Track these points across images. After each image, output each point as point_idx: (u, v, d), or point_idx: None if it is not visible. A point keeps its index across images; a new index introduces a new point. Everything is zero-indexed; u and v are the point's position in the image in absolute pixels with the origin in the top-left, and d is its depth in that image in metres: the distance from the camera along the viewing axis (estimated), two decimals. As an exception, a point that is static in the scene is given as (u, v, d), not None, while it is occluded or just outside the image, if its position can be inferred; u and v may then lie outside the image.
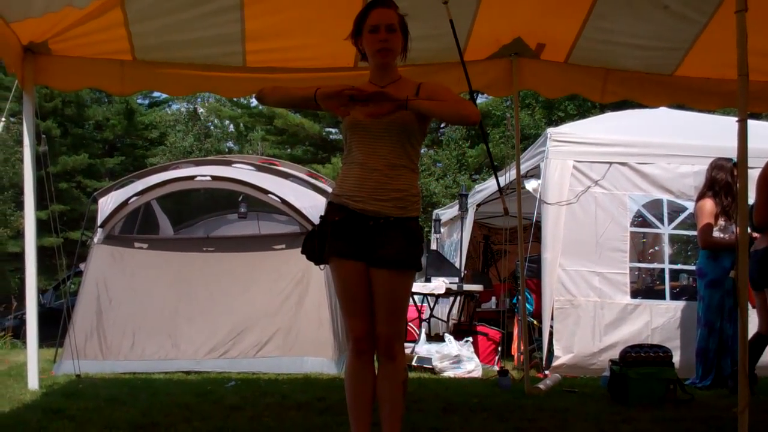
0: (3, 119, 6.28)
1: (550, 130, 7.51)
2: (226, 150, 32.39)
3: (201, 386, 6.16)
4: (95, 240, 7.83)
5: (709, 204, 6.53)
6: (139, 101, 31.73)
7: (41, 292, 10.00)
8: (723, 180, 6.52)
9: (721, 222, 6.49)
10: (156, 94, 30.00)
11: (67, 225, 25.55)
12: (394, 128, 3.25)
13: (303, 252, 3.41)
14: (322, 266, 3.45)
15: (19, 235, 25.04)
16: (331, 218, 3.29)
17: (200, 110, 33.46)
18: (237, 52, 5.74)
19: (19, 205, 25.24)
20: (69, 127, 28.69)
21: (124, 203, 7.87)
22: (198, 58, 5.84)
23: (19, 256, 25.52)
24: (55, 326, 7.96)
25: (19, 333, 14.44)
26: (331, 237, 3.27)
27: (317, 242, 3.33)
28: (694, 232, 6.81)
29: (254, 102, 29.14)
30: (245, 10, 5.32)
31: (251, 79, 5.82)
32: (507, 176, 7.88)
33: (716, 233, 6.49)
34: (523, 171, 7.15)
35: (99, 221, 7.86)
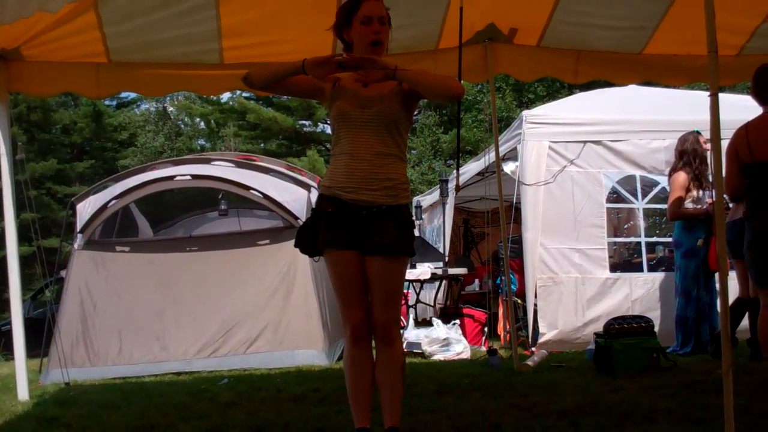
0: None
1: (525, 113, 7.61)
2: (198, 148, 32.17)
3: (194, 386, 6.18)
4: (75, 246, 7.79)
5: (681, 176, 6.74)
6: (107, 103, 31.29)
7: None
8: (690, 148, 6.77)
9: (694, 193, 6.69)
10: (124, 94, 29.73)
11: (39, 232, 25.29)
12: (382, 117, 3.31)
13: (296, 245, 3.46)
14: (316, 258, 3.50)
15: (-10, 245, 24.72)
16: (324, 209, 3.34)
17: (170, 109, 33.19)
18: (213, 50, 5.72)
19: (-10, 215, 24.94)
20: (35, 132, 28.29)
21: (103, 207, 7.83)
22: (174, 57, 5.81)
23: (-8, 267, 25.24)
24: (36, 336, 7.84)
25: (-3, 345, 14.28)
26: (324, 228, 3.31)
27: (310, 234, 3.38)
28: (667, 206, 6.98)
29: (225, 98, 28.97)
30: (220, 7, 5.31)
31: (229, 76, 5.82)
32: (485, 159, 7.97)
33: (689, 204, 6.70)
34: (500, 154, 7.23)
35: (78, 227, 7.81)
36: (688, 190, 6.71)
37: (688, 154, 6.76)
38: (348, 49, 3.45)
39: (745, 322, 6.23)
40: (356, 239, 3.29)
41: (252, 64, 5.79)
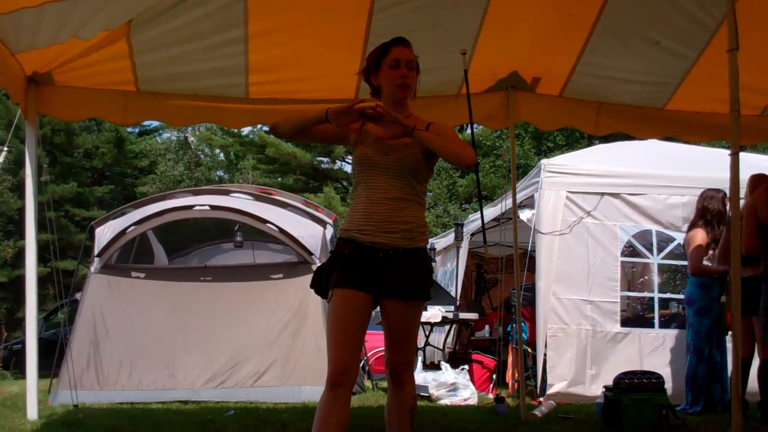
0: (5, 148, 6.31)
1: (544, 162, 7.63)
2: (217, 179, 32.39)
3: (200, 415, 6.18)
4: (92, 269, 7.84)
5: (700, 233, 6.61)
6: (130, 129, 31.63)
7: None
8: (715, 209, 6.60)
9: (710, 252, 6.60)
10: (147, 122, 29.96)
11: (56, 254, 25.40)
12: (402, 165, 3.34)
13: (312, 286, 3.46)
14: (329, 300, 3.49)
15: (6, 264, 24.88)
16: (341, 251, 3.35)
17: (191, 139, 33.46)
18: (240, 84, 5.82)
19: (7, 234, 25.12)
20: (58, 155, 28.61)
21: (122, 233, 7.88)
22: (201, 89, 5.90)
23: (6, 286, 25.36)
24: (47, 356, 7.90)
25: (8, 364, 14.31)
26: (339, 269, 3.31)
27: (326, 276, 3.38)
28: (682, 262, 6.92)
29: (246, 131, 29.23)
30: (249, 42, 5.41)
31: (253, 111, 5.92)
32: (502, 206, 7.99)
33: (707, 262, 6.61)
34: (517, 201, 7.26)
35: (96, 251, 7.86)
36: (706, 247, 6.62)
37: (712, 214, 6.62)
38: (375, 95, 3.49)
39: (753, 383, 6.14)
40: (370, 282, 3.28)
41: (276, 99, 5.92)
